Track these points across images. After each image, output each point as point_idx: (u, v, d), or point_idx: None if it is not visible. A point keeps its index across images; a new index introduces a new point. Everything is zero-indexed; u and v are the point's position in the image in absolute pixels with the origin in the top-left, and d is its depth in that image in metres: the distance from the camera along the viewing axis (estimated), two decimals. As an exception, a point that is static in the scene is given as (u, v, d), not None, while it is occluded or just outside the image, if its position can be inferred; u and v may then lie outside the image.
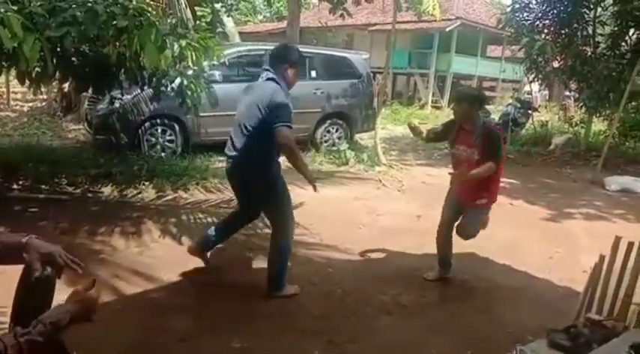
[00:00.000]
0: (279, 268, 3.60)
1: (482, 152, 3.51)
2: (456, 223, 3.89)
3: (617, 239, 2.85)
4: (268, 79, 3.45)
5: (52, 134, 9.51)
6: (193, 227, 4.96)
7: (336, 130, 9.39)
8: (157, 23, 4.21)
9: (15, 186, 5.81)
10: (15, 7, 3.59)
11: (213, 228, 3.93)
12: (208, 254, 3.95)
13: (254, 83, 3.66)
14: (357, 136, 9.90)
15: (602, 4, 10.49)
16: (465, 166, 3.53)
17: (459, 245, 4.08)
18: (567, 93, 16.87)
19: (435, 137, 4.08)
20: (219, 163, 7.74)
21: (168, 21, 5.18)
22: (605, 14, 10.69)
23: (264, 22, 32.46)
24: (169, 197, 5.88)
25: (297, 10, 16.11)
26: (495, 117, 12.45)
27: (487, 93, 23.36)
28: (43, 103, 12.52)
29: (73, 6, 4.05)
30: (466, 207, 3.81)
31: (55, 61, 4.31)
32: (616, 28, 10.23)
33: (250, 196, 3.65)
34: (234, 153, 3.49)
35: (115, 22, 4.00)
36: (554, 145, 10.52)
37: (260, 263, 4.16)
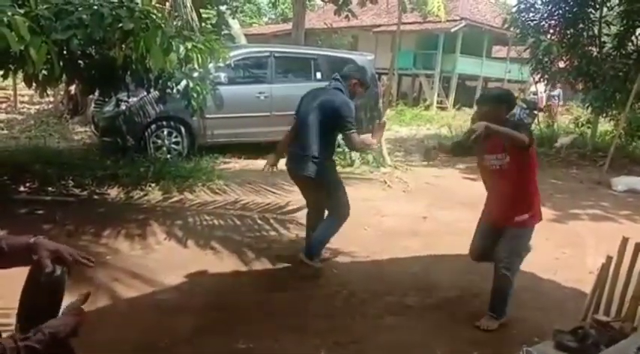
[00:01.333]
0: (322, 238, 4.00)
1: (513, 142, 3.03)
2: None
3: (625, 240, 2.84)
4: (336, 88, 3.94)
5: (58, 136, 9.56)
6: (199, 229, 4.97)
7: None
8: (162, 26, 4.24)
9: (22, 188, 5.84)
10: (22, 11, 3.63)
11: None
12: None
13: (319, 89, 4.16)
14: (362, 136, 9.88)
15: (607, 4, 10.44)
16: (497, 179, 3.21)
17: (464, 246, 4.09)
18: (553, 93, 16.69)
19: (461, 150, 3.49)
20: (225, 164, 7.78)
21: (174, 23, 5.21)
22: (610, 14, 10.65)
23: (270, 24, 32.56)
24: (175, 199, 5.89)
25: (302, 12, 16.15)
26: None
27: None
28: (50, 106, 12.60)
29: (79, 9, 4.08)
30: (503, 228, 3.25)
31: (61, 63, 4.33)
32: (622, 28, 10.19)
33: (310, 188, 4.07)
34: (299, 151, 3.90)
35: (120, 25, 4.03)
36: (559, 144, 10.48)
37: (263, 265, 4.18)
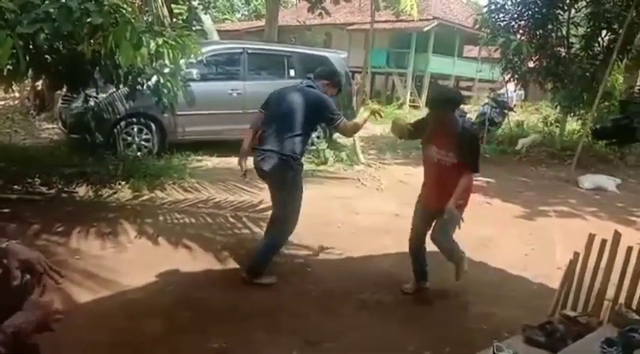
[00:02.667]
0: (265, 257, 3.85)
1: (462, 159, 3.36)
2: (430, 231, 3.63)
3: (591, 237, 2.91)
4: (309, 86, 3.83)
5: (24, 133, 9.32)
6: (170, 228, 4.90)
7: (315, 129, 9.36)
8: (132, 20, 4.16)
9: (-14, 186, 5.68)
10: (-15, 3, 3.52)
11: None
12: None
13: (290, 87, 3.95)
14: (335, 135, 9.89)
15: (575, 6, 10.68)
16: (439, 170, 3.46)
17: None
18: (512, 94, 16.89)
19: (410, 133, 3.71)
20: (197, 162, 7.69)
21: (144, 18, 5.12)
22: (578, 16, 10.90)
23: (243, 20, 32.33)
24: (146, 197, 5.80)
25: (276, 9, 16.06)
26: (472, 116, 12.58)
27: (464, 93, 23.73)
28: (16, 102, 12.29)
29: (46, 2, 3.98)
30: (439, 211, 3.45)
31: (27, 58, 4.23)
32: (589, 30, 10.44)
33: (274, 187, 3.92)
34: (269, 147, 3.72)
35: (89, 19, 3.95)
36: (520, 144, 10.68)
37: (236, 263, 4.14)
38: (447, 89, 4.38)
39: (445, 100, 3.52)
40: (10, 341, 1.48)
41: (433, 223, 3.59)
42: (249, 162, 3.88)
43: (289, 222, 3.83)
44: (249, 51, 8.70)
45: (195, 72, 7.45)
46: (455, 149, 3.37)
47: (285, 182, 3.75)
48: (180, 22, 7.44)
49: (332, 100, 3.87)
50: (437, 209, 3.46)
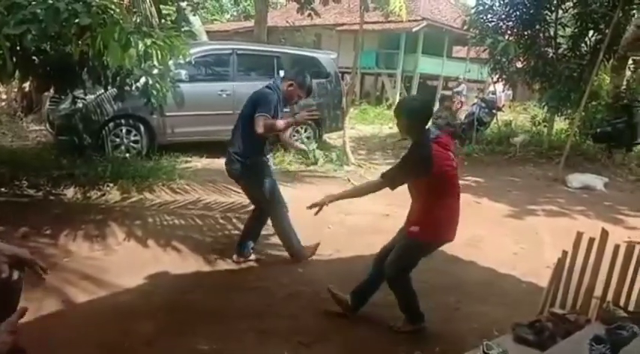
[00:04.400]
0: (290, 238, 4.23)
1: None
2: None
3: (579, 235, 2.93)
4: (266, 87, 3.93)
5: (12, 135, 9.22)
6: (159, 229, 4.88)
7: (305, 130, 9.37)
8: (120, 21, 4.14)
9: (-27, 189, 5.61)
10: (-30, 4, 3.48)
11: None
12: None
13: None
14: (325, 136, 9.91)
15: (562, 7, 10.77)
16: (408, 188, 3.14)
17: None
18: (457, 89, 16.92)
19: None
20: (186, 163, 7.66)
21: (133, 19, 5.08)
22: (565, 16, 10.99)
23: (232, 21, 32.21)
24: (134, 199, 5.77)
25: (265, 10, 16.05)
26: (461, 116, 12.64)
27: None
28: (3, 103, 12.12)
29: (33, 3, 3.95)
30: (404, 234, 3.19)
31: (14, 59, 4.19)
32: (576, 30, 10.54)
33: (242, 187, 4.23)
34: (230, 149, 3.99)
35: (77, 20, 3.92)
36: (516, 142, 10.76)
37: (227, 265, 4.13)
38: (416, 99, 3.84)
39: (408, 110, 3.04)
40: None
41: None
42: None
43: (275, 210, 4.14)
44: (239, 52, 8.69)
45: (184, 73, 7.43)
46: None
47: (245, 180, 4.03)
48: (169, 22, 7.37)
49: (271, 97, 3.84)
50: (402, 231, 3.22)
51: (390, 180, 2.99)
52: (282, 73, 8.82)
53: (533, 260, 4.58)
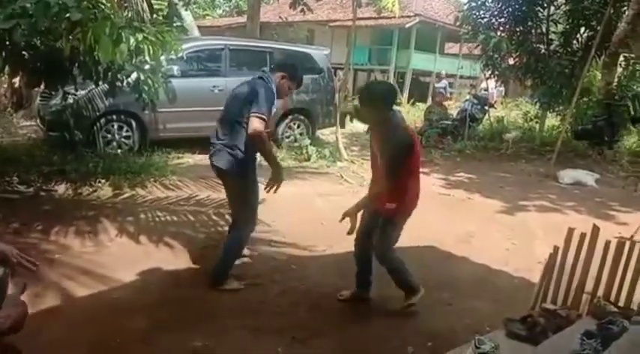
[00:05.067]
0: (227, 262, 3.69)
1: (380, 154, 3.11)
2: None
3: (570, 231, 2.94)
4: (259, 78, 3.59)
5: (2, 131, 9.14)
6: (152, 226, 4.86)
7: (298, 126, 9.36)
8: (111, 16, 4.12)
9: (-38, 185, 5.57)
10: (-41, -2, 3.44)
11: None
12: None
13: (245, 81, 3.71)
14: (318, 132, 9.90)
15: (554, 3, 10.82)
16: (377, 166, 3.23)
17: (420, 239, 4.13)
18: (439, 84, 16.93)
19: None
20: (178, 159, 7.63)
21: (124, 14, 5.05)
22: (557, 13, 11.04)
23: (224, 16, 32.07)
24: (126, 195, 5.74)
25: (257, 5, 15.98)
26: (453, 113, 12.68)
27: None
28: (-8, 99, 12.03)
29: (23, -3, 3.91)
30: (377, 211, 3.26)
31: (4, 54, 4.15)
32: (568, 27, 10.59)
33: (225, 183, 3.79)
34: (217, 141, 3.62)
35: (67, 15, 3.89)
36: (508, 138, 10.80)
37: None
38: (380, 82, 3.89)
39: (373, 96, 3.11)
40: None
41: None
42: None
43: (246, 221, 3.69)
44: (231, 47, 8.65)
45: (175, 68, 7.39)
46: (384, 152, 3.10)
47: (232, 177, 3.61)
48: (161, 18, 7.34)
49: (270, 93, 3.54)
50: (378, 207, 3.26)
51: (396, 177, 3.08)
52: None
53: (525, 256, 4.60)
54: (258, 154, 3.69)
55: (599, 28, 9.10)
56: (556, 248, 2.99)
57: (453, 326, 3.28)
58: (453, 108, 14.80)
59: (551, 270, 2.99)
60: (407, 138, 3.11)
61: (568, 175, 8.03)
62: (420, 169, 3.33)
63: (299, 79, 3.81)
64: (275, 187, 3.62)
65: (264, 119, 3.41)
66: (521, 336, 2.48)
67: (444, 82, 16.93)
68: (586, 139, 9.95)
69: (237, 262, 3.81)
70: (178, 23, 12.28)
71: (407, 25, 21.77)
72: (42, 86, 6.67)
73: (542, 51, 10.79)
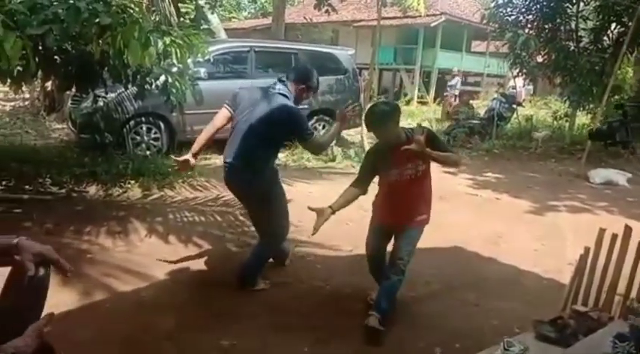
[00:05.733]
0: (256, 266, 3.71)
1: (433, 148, 3.03)
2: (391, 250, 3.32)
3: (602, 231, 2.89)
4: (280, 94, 3.49)
5: (35, 134, 9.39)
6: (180, 226, 4.93)
7: (323, 127, 9.37)
8: (140, 20, 4.18)
9: (-2, 186, 5.73)
10: (-5, 5, 3.55)
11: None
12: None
13: (262, 94, 3.56)
14: (343, 133, 9.89)
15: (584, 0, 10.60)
16: (409, 185, 3.16)
17: (447, 239, 4.09)
18: (451, 82, 16.56)
19: (363, 185, 3.42)
20: (205, 160, 7.72)
21: (152, 18, 5.13)
22: (587, 9, 10.81)
23: (249, 18, 32.34)
24: (155, 196, 5.84)
25: (282, 6, 16.07)
26: (480, 112, 12.53)
27: (472, 88, 23.65)
28: (26, 103, 12.37)
29: (55, 3, 4.01)
30: (402, 227, 3.24)
31: (37, 59, 4.25)
32: (598, 23, 10.36)
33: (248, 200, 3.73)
34: (234, 161, 3.46)
35: (97, 20, 3.97)
36: (537, 137, 10.62)
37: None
38: (383, 103, 3.76)
39: (383, 119, 3.09)
40: None
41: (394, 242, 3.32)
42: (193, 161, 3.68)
43: (279, 232, 3.71)
44: (257, 49, 8.71)
45: (203, 71, 7.47)
46: (415, 155, 3.03)
47: (256, 192, 3.53)
48: (188, 21, 7.46)
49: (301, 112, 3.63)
50: (399, 223, 3.28)
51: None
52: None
53: (554, 257, 4.52)
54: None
55: (630, 23, 8.88)
56: (587, 249, 2.94)
57: (481, 327, 3.25)
58: (481, 107, 14.63)
59: (582, 271, 2.94)
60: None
61: (599, 175, 7.86)
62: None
63: (316, 87, 3.81)
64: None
65: (314, 134, 3.56)
66: (551, 338, 2.45)
67: (457, 79, 16.64)
68: (600, 140, 9.78)
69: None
70: (205, 26, 12.49)
71: (432, 24, 21.61)
72: (73, 90, 6.81)
73: (572, 48, 10.57)
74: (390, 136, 3.12)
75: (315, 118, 9.24)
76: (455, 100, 15.67)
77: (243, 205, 4.03)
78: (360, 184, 3.36)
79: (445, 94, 16.53)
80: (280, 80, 3.60)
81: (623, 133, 9.49)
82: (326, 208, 3.22)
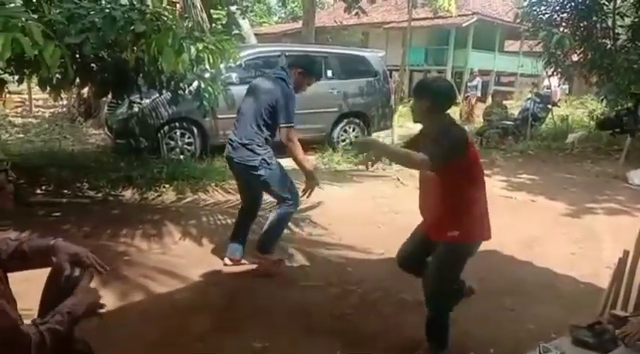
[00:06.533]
0: (275, 234, 3.91)
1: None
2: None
3: (641, 234, 2.81)
4: (278, 78, 3.75)
5: (73, 139, 9.66)
6: (213, 229, 5.00)
7: (353, 130, 9.37)
8: (173, 27, 4.26)
9: (38, 191, 5.91)
10: (35, 16, 3.67)
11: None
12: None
13: (264, 79, 3.93)
14: (374, 135, 9.86)
15: (621, -4, 10.33)
16: (431, 186, 2.70)
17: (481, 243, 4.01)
18: (472, 83, 15.92)
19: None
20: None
21: (185, 24, 5.21)
22: (624, 5, 10.51)
23: (280, 22, 32.61)
24: (189, 199, 5.93)
25: (312, 10, 16.15)
26: (514, 112, 12.32)
27: (506, 88, 23.28)
28: (64, 109, 12.74)
29: (92, 12, 4.13)
30: (436, 242, 2.76)
31: (74, 67, 4.38)
32: (636, 19, 10.05)
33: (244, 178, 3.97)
34: (235, 138, 3.80)
35: (132, 27, 4.07)
36: (571, 138, 10.37)
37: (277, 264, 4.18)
38: (439, 79, 3.47)
39: (430, 90, 2.67)
40: (67, 321, 1.58)
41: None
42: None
43: (285, 196, 3.81)
44: (287, 53, 8.75)
45: (234, 76, 7.55)
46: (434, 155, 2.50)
47: (251, 171, 3.75)
48: (220, 27, 7.55)
49: (293, 96, 3.70)
50: (431, 234, 2.82)
51: (436, 159, 2.45)
52: (330, 72, 8.88)
53: (592, 260, 4.41)
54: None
55: (671, 19, 8.61)
56: (626, 252, 2.86)
57: (516, 332, 3.19)
58: (515, 107, 14.39)
59: (621, 275, 2.86)
60: (460, 134, 2.63)
61: (638, 176, 7.63)
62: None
63: (317, 73, 3.98)
64: (309, 192, 3.86)
65: (293, 126, 3.64)
66: (589, 343, 2.38)
67: (478, 80, 16.13)
68: (608, 129, 9.45)
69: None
70: (236, 31, 12.65)
71: (464, 24, 21.38)
72: (109, 96, 6.98)
73: (609, 46, 10.30)
74: (420, 111, 2.67)
75: (346, 120, 9.24)
76: (475, 101, 15.32)
77: (237, 183, 4.27)
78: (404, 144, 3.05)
79: (466, 95, 16.15)
80: (282, 67, 3.88)
81: (630, 122, 9.16)
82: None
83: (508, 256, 4.49)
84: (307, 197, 3.93)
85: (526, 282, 4.01)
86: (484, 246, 3.99)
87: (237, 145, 3.75)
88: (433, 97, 2.62)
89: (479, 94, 15.98)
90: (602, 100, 10.99)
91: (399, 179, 7.34)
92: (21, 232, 4.35)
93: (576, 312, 3.24)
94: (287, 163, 4.01)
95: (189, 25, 5.58)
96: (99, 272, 1.88)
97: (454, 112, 15.29)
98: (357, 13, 14.27)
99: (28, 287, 1.95)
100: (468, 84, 16.64)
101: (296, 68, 3.80)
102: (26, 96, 13.35)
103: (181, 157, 7.65)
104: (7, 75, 5.07)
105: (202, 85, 5.63)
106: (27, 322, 1.61)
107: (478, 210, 2.71)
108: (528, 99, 12.16)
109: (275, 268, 3.97)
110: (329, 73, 8.85)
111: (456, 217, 2.67)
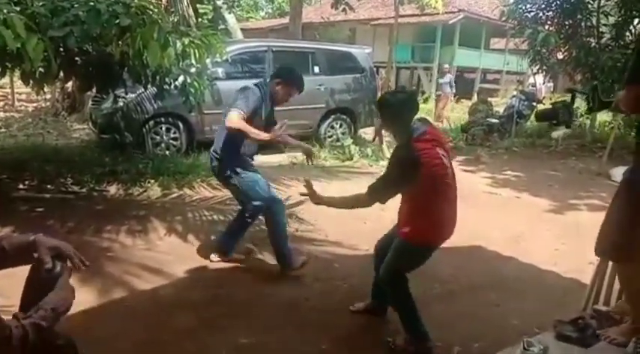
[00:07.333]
0: (282, 244, 3.90)
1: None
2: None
3: (624, 230, 2.84)
4: (255, 84, 3.74)
5: (57, 134, 9.55)
6: (199, 225, 4.98)
7: (340, 126, 9.38)
8: (159, 21, 4.22)
9: (21, 186, 5.84)
10: (18, 8, 3.62)
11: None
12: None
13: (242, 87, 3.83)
14: (361, 131, 9.89)
15: (605, -5, 10.43)
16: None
17: (466, 238, 4.04)
18: (443, 80, 15.40)
19: None
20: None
21: (171, 19, 5.17)
22: (608, 4, 10.63)
23: (266, 18, 32.47)
24: (175, 195, 5.90)
25: (299, 6, 16.09)
26: (500, 109, 12.41)
27: (491, 85, 23.43)
28: (48, 103, 12.58)
29: (76, 5, 4.07)
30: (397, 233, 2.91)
31: (58, 60, 4.32)
32: (620, 19, 10.18)
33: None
34: (212, 150, 3.88)
35: (117, 21, 4.02)
36: (556, 135, 10.46)
37: (264, 259, 4.18)
38: (401, 91, 3.53)
39: (389, 103, 2.79)
40: (50, 316, 1.57)
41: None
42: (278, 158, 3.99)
43: (256, 207, 3.87)
44: (274, 49, 8.73)
45: (221, 71, 7.52)
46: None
47: (222, 180, 3.91)
48: (206, 21, 7.50)
49: (252, 93, 3.61)
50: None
51: (377, 195, 2.71)
52: (316, 69, 8.88)
53: (575, 256, 4.46)
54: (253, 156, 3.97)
55: (654, 18, 8.73)
56: (609, 248, 2.89)
57: (500, 327, 3.22)
58: (500, 105, 14.48)
59: (604, 271, 2.89)
60: (410, 158, 2.64)
61: (621, 173, 7.68)
62: (454, 194, 2.91)
63: (297, 83, 3.81)
64: (310, 159, 4.06)
65: (241, 113, 3.47)
66: (572, 338, 2.41)
67: (449, 76, 15.71)
68: (545, 121, 9.60)
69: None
70: (223, 26, 12.57)
71: (450, 22, 21.47)
72: (93, 90, 6.91)
73: (593, 44, 10.41)
74: (385, 125, 2.88)
75: (333, 116, 9.24)
76: (446, 101, 15.04)
77: None
78: None
79: (438, 93, 15.60)
80: (264, 80, 3.90)
81: (565, 115, 9.27)
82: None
83: (493, 251, 4.53)
84: (312, 164, 4.14)
85: (510, 277, 4.05)
86: (469, 241, 4.04)
87: (212, 157, 3.85)
88: (390, 112, 2.77)
89: (453, 91, 15.30)
90: (586, 98, 11.09)
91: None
92: (2, 227, 4.29)
93: (560, 307, 3.28)
94: (265, 159, 4.03)
95: (175, 20, 5.54)
96: (78, 267, 1.86)
97: (427, 111, 15.35)
98: (344, 10, 14.26)
99: (9, 283, 1.92)
100: (439, 81, 16.18)
101: (275, 78, 3.74)
102: (9, 90, 13.17)
103: (167, 152, 7.61)
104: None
105: (188, 80, 5.58)
106: (8, 318, 1.59)
107: (437, 215, 2.79)
108: (513, 96, 12.26)
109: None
110: (316, 69, 8.84)
111: (413, 218, 2.79)
